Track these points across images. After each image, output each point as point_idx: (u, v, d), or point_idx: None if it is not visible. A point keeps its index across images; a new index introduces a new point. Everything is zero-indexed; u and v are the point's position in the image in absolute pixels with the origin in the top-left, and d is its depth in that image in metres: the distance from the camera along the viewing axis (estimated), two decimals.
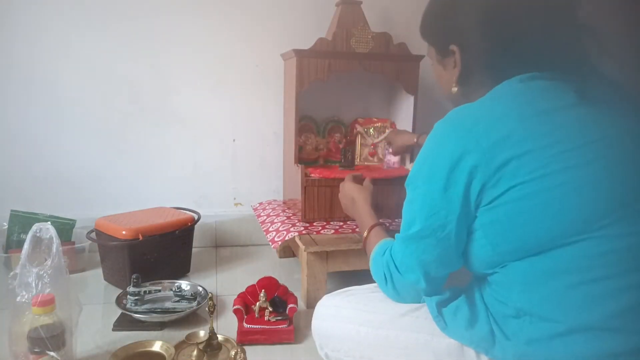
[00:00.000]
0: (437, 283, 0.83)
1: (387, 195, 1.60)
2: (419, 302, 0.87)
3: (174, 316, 1.31)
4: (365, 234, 1.06)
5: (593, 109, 0.74)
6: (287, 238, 1.47)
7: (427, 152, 0.80)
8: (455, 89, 0.89)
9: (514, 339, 0.74)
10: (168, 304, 1.37)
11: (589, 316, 0.68)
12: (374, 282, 0.94)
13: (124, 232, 1.49)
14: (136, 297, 1.34)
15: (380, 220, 1.09)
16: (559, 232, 0.70)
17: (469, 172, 0.73)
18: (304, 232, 1.49)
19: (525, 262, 0.73)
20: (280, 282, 1.39)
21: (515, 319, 0.74)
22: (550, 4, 0.79)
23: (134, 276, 1.36)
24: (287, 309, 1.28)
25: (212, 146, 1.95)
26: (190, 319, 1.35)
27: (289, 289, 1.38)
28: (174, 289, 1.43)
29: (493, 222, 0.74)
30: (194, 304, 1.37)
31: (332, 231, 1.50)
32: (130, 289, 1.35)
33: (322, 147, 1.81)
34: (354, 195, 1.22)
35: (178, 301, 1.39)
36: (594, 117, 0.73)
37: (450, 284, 0.86)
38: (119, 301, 1.36)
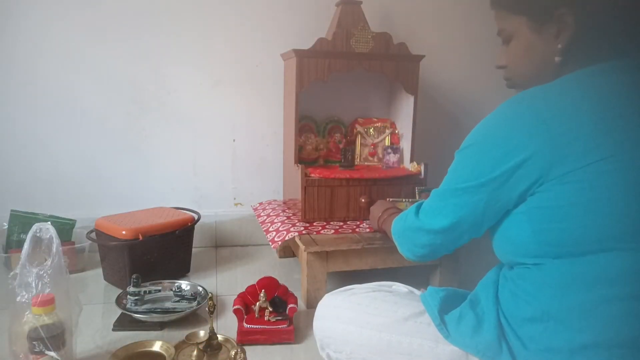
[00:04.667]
0: (451, 244, 0.86)
1: (386, 195, 1.60)
2: (413, 257, 0.93)
3: (174, 316, 1.31)
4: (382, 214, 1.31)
5: None
6: (287, 238, 1.47)
7: (492, 125, 0.76)
8: (558, 59, 0.78)
9: (531, 345, 0.71)
10: (168, 304, 1.37)
11: (619, 333, 0.65)
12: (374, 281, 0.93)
13: (124, 232, 1.49)
14: (136, 297, 1.34)
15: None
16: (608, 233, 0.66)
17: (529, 165, 0.70)
18: (304, 232, 1.49)
19: (565, 262, 0.69)
20: (280, 282, 1.39)
21: (536, 323, 0.71)
22: None
23: (134, 276, 1.36)
24: (287, 309, 1.28)
25: (212, 146, 1.95)
26: (190, 319, 1.35)
27: (289, 289, 1.38)
28: (174, 289, 1.43)
29: (541, 207, 0.70)
30: (194, 304, 1.37)
31: (332, 231, 1.51)
32: (130, 289, 1.35)
33: (322, 147, 1.81)
34: (373, 208, 1.43)
35: (178, 301, 1.39)
36: None
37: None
38: (119, 301, 1.35)
